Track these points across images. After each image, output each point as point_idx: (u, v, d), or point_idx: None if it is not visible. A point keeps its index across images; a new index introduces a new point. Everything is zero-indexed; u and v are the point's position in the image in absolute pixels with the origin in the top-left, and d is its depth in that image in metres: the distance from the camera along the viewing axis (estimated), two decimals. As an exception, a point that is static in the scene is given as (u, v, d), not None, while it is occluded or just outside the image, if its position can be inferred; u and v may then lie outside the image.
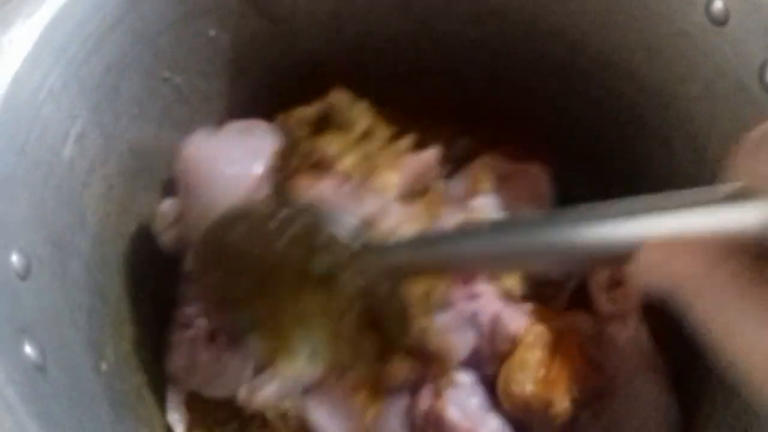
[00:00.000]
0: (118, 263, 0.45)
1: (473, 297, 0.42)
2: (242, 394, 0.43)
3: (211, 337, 0.44)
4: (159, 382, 0.47)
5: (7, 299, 0.33)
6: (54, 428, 0.29)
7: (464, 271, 0.40)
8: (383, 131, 0.46)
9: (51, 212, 0.38)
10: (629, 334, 0.41)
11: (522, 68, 0.50)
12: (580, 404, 0.41)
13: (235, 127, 0.46)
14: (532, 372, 0.42)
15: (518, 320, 0.42)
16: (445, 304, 0.41)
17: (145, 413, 0.45)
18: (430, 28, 0.51)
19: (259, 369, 0.43)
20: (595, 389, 0.41)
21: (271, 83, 0.50)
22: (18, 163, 0.36)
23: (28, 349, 0.32)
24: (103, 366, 0.41)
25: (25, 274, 0.35)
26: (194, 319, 0.45)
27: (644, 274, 0.24)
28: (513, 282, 0.43)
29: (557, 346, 0.42)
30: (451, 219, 0.43)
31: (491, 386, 0.42)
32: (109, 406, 0.40)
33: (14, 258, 0.34)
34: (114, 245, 0.45)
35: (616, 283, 0.42)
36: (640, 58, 0.44)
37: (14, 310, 0.33)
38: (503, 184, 0.47)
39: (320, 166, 0.43)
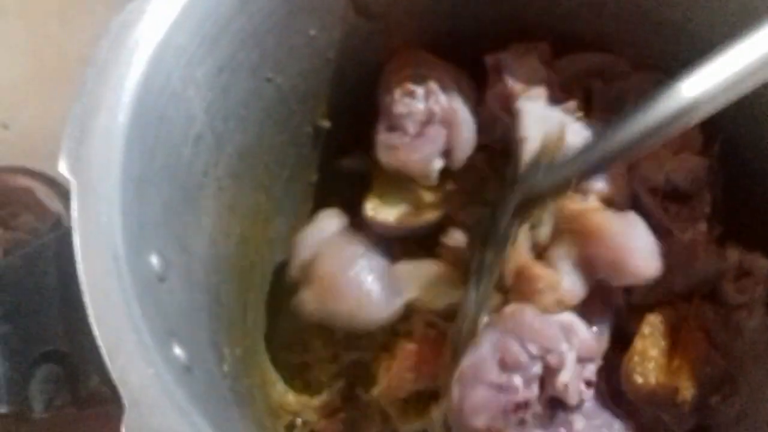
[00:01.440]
0: (228, 265, 0.45)
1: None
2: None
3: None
4: (269, 386, 0.47)
5: (153, 301, 0.32)
6: (214, 426, 0.29)
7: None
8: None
9: (176, 215, 0.38)
10: (757, 321, 0.40)
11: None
12: (708, 389, 0.40)
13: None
14: (654, 362, 0.41)
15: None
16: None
17: (257, 416, 0.45)
18: (518, 17, 0.50)
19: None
20: (723, 373, 0.41)
21: (367, 81, 0.50)
22: (150, 165, 0.36)
23: (177, 350, 0.32)
24: (225, 367, 0.41)
25: (163, 276, 0.34)
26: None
27: None
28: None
29: (679, 334, 0.42)
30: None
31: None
32: (236, 406, 0.39)
33: (154, 259, 0.34)
34: (224, 247, 0.44)
35: (744, 273, 0.41)
36: None
37: (160, 312, 0.33)
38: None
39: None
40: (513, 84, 0.46)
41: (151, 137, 0.36)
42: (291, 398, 0.50)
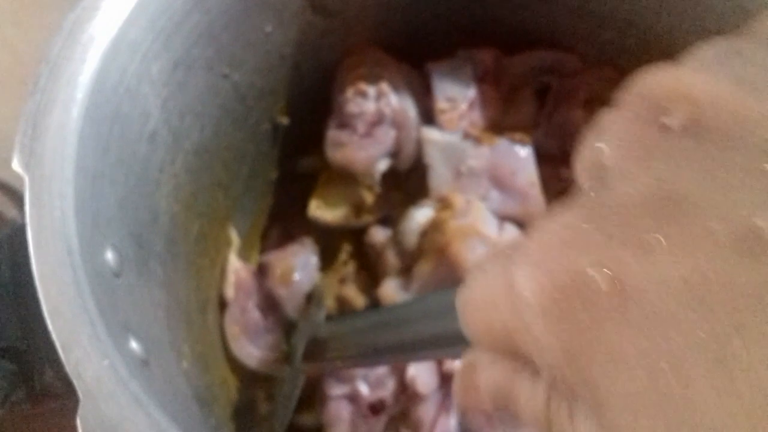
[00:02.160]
0: (186, 262, 0.45)
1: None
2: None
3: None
4: (231, 384, 0.47)
5: (109, 296, 0.32)
6: (173, 422, 0.29)
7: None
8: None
9: (132, 211, 0.38)
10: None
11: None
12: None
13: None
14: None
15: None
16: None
17: (221, 412, 0.45)
18: (471, 13, 0.51)
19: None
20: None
21: (324, 78, 0.50)
22: (104, 160, 0.35)
23: (134, 344, 0.32)
24: (184, 364, 0.41)
25: (118, 272, 0.34)
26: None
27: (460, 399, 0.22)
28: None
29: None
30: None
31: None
32: (197, 402, 0.39)
33: (109, 255, 0.34)
34: (182, 245, 0.44)
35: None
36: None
37: (115, 307, 0.32)
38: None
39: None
40: (438, 101, 0.47)
41: (106, 133, 0.36)
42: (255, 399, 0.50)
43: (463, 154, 0.44)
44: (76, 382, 0.27)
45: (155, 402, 0.29)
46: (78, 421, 0.26)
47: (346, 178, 0.47)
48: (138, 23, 0.37)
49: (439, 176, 0.44)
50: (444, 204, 0.43)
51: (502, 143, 0.44)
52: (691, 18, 0.43)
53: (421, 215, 0.44)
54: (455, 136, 0.45)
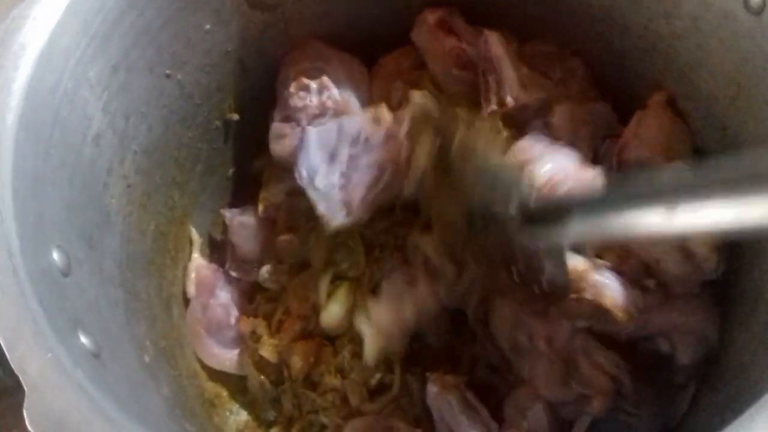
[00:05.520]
0: (145, 261, 0.46)
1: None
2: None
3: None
4: (197, 378, 0.48)
5: (56, 293, 0.33)
6: (121, 410, 0.30)
7: None
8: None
9: (80, 212, 0.39)
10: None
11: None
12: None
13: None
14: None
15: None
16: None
17: (188, 404, 0.46)
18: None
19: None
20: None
21: (270, 73, 0.51)
22: (45, 164, 0.36)
23: (83, 339, 0.33)
24: (146, 358, 0.42)
25: (66, 271, 0.35)
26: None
27: None
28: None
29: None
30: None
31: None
32: (158, 394, 0.40)
33: (55, 255, 0.35)
34: (138, 244, 0.45)
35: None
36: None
37: (63, 304, 0.33)
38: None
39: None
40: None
41: (45, 137, 0.36)
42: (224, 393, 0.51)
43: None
44: (21, 377, 0.28)
45: (104, 392, 0.30)
46: (25, 414, 0.27)
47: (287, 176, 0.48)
48: (70, 28, 0.38)
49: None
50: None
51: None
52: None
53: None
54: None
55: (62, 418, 0.27)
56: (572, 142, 0.44)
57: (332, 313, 0.46)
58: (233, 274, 0.51)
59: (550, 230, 0.37)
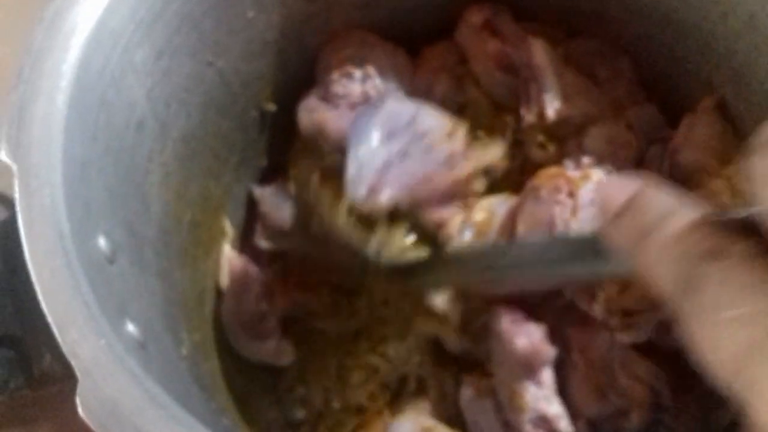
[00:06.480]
0: (180, 251, 0.45)
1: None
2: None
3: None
4: (233, 373, 0.48)
5: (103, 281, 0.32)
6: (169, 396, 0.29)
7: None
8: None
9: (122, 199, 0.38)
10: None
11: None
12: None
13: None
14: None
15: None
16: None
17: (221, 399, 0.45)
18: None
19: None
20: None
21: (310, 64, 0.51)
22: (92, 149, 0.36)
23: (131, 327, 0.32)
24: (183, 350, 0.41)
25: (112, 258, 0.34)
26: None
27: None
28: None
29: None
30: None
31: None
32: (197, 387, 0.39)
33: (102, 242, 0.34)
34: (175, 233, 0.44)
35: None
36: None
37: (110, 291, 0.33)
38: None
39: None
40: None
41: (92, 122, 0.36)
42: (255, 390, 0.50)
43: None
44: (73, 362, 0.27)
45: (153, 381, 0.29)
46: (78, 400, 0.26)
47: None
48: (119, 12, 0.38)
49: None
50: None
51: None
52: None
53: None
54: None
55: (115, 404, 0.27)
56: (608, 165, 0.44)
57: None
58: (263, 244, 0.50)
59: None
